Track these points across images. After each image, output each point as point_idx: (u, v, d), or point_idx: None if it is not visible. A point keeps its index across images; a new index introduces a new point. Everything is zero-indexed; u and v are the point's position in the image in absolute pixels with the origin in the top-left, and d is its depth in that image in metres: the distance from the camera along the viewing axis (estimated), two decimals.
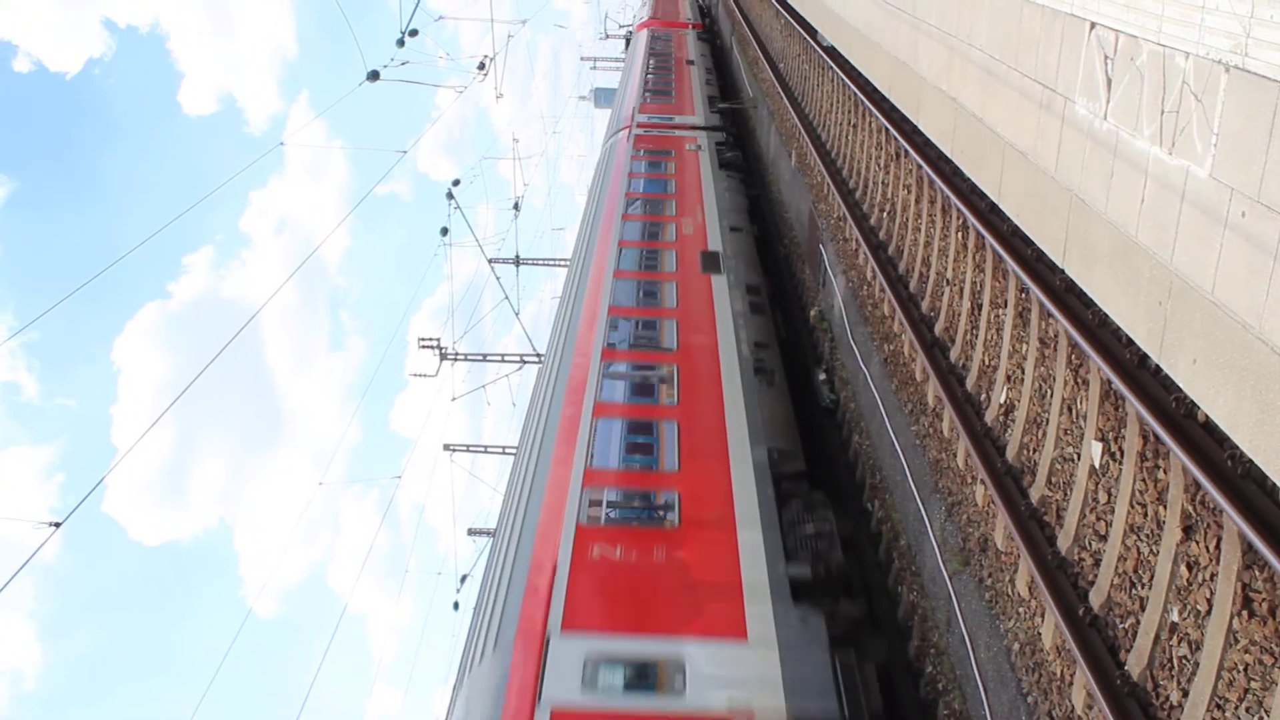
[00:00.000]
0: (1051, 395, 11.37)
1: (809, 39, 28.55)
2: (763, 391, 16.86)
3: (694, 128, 33.32)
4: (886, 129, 19.36)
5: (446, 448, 40.24)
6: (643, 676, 11.09)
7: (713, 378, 16.69)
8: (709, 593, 12.04)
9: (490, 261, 41.10)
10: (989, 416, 12.83)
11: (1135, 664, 8.72)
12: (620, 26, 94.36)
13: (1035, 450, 11.60)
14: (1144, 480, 9.25)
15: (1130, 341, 9.59)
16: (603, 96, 75.45)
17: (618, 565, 12.43)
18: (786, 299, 21.33)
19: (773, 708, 10.49)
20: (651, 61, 46.16)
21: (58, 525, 11.22)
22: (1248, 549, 7.59)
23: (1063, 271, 9.17)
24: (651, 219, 24.61)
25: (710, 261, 21.64)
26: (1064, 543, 10.35)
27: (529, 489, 14.37)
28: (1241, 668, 7.46)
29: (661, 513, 13.55)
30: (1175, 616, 8.38)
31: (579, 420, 15.39)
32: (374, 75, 26.78)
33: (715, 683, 10.85)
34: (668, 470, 14.34)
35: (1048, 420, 11.34)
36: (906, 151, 17.83)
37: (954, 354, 14.51)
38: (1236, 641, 7.57)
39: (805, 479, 15.04)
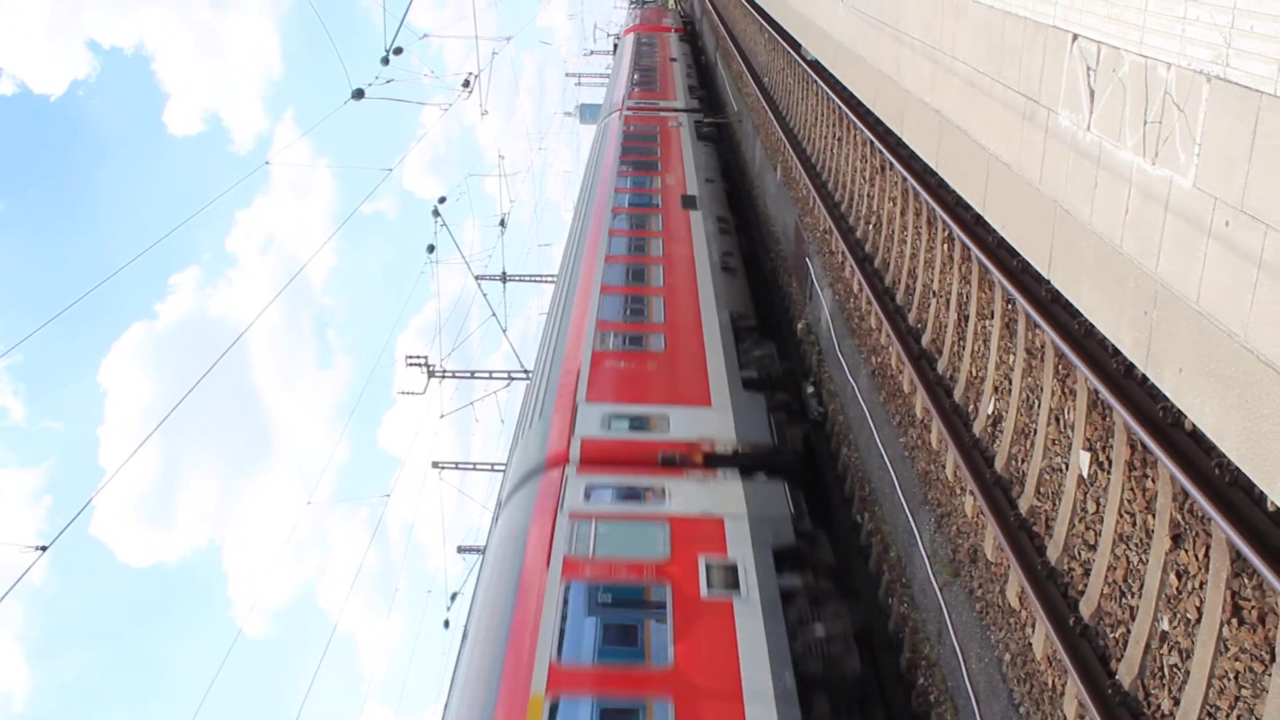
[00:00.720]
0: (1039, 405, 11.39)
1: (793, 53, 28.66)
2: (727, 279, 23.77)
3: (675, 110, 40.67)
4: (871, 142, 19.43)
5: (435, 465, 40.11)
6: (641, 424, 17.15)
7: (689, 270, 23.74)
8: (684, 382, 18.59)
9: (477, 278, 41.05)
10: (977, 427, 12.85)
11: (1126, 673, 8.72)
12: (609, 35, 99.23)
13: (1024, 461, 11.62)
14: (1132, 489, 9.27)
15: (1117, 351, 9.62)
16: (588, 112, 76.31)
17: (621, 370, 19.12)
18: (750, 231, 26.97)
19: (727, 438, 16.73)
20: (639, 58, 53.28)
21: (44, 549, 11.13)
22: (1236, 557, 7.61)
23: (1049, 282, 9.20)
24: (641, 174, 31.42)
25: (688, 201, 28.72)
26: (1053, 553, 10.36)
27: (558, 330, 21.96)
28: (1232, 675, 7.47)
29: (651, 343, 20.16)
30: (1165, 625, 8.39)
31: (590, 294, 22.37)
32: (359, 93, 26.74)
33: (689, 427, 17.01)
34: (656, 322, 21.09)
35: (1036, 430, 11.36)
36: (892, 164, 17.90)
37: (941, 365, 14.53)
38: (1227, 649, 7.58)
39: (757, 330, 21.82)
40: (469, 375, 40.33)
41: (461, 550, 39.59)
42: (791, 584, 12.75)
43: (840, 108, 22.27)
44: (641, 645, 11.73)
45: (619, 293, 22.46)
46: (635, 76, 47.36)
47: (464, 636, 14.00)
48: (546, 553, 13.34)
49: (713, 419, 17.24)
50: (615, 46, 79.08)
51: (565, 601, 12.31)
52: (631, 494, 14.95)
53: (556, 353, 20.63)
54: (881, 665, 13.74)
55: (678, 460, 16.22)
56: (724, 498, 14.64)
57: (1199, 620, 7.97)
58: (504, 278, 42.70)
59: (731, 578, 12.73)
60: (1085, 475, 10.11)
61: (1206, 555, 8.03)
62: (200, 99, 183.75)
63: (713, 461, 16.25)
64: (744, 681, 11.10)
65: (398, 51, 28.52)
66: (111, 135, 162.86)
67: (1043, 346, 11.49)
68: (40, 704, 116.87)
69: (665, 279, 23.16)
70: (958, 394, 13.71)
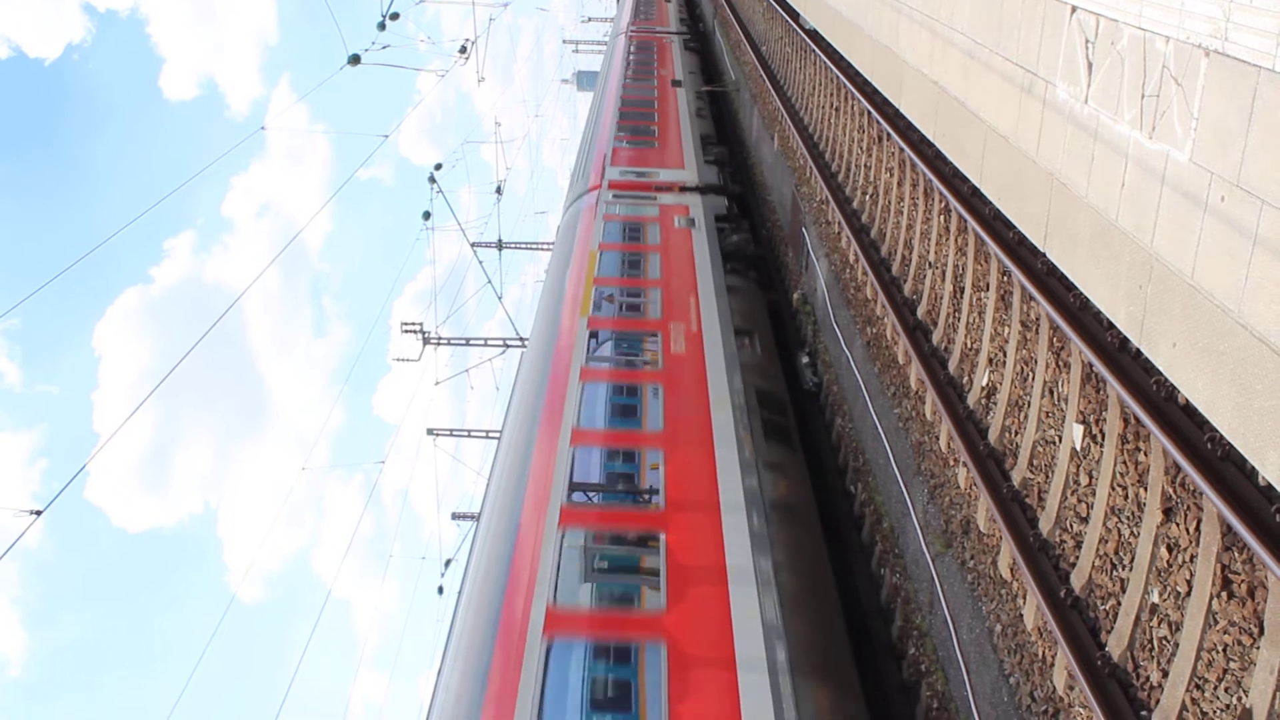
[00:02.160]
0: (1033, 378, 11.42)
1: (791, 22, 28.48)
2: (700, 120, 36.69)
3: (668, 32, 55.66)
4: (869, 112, 19.35)
5: (430, 432, 40.16)
6: (642, 174, 28.33)
7: (676, 115, 35.97)
8: (668, 157, 30.30)
9: (473, 245, 40.95)
10: (971, 399, 12.88)
11: (1116, 645, 8.79)
12: None
13: (1017, 433, 11.65)
14: (1125, 463, 9.31)
15: (1111, 325, 9.63)
16: (585, 79, 76.65)
17: (631, 154, 30.62)
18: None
19: (693, 181, 27.79)
20: None
21: (39, 513, 11.16)
22: (1227, 531, 7.65)
23: (1044, 255, 9.20)
24: (643, 67, 44.61)
25: (676, 83, 41.17)
26: (1045, 525, 10.41)
27: (592, 137, 34.81)
28: (1220, 648, 7.53)
29: (648, 144, 32.22)
30: (1155, 598, 8.44)
31: (609, 123, 34.25)
32: (355, 59, 26.61)
33: (671, 176, 28.07)
34: (652, 135, 33.18)
35: (1029, 403, 11.39)
36: (889, 135, 17.83)
37: (936, 337, 14.54)
38: (1216, 622, 7.64)
39: (717, 142, 34.94)
40: (464, 342, 40.31)
41: (456, 517, 39.70)
42: (722, 226, 25.34)
43: (838, 77, 22.16)
44: (644, 239, 23.34)
45: (628, 124, 34.63)
46: (638, 10, 63.96)
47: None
48: (592, 217, 24.90)
49: (685, 174, 28.70)
50: None
51: (604, 229, 23.82)
52: (638, 197, 26.61)
53: (591, 147, 33.36)
54: (873, 631, 13.93)
55: (665, 188, 27.47)
56: (689, 199, 26.50)
57: (1189, 593, 8.02)
58: (500, 245, 42.62)
59: (691, 223, 24.23)
60: (1078, 448, 10.14)
61: (1197, 529, 8.08)
62: (196, 64, 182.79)
63: (685, 189, 27.48)
64: (695, 257, 22.08)
65: (394, 17, 28.37)
66: (106, 99, 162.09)
67: (1038, 319, 11.49)
68: (37, 668, 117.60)
69: (658, 119, 35.77)
70: (952, 366, 13.73)
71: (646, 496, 14.22)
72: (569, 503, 13.78)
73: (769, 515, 13.92)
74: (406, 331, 38.94)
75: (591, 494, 14.62)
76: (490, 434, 40.35)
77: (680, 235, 23.65)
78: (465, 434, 41.50)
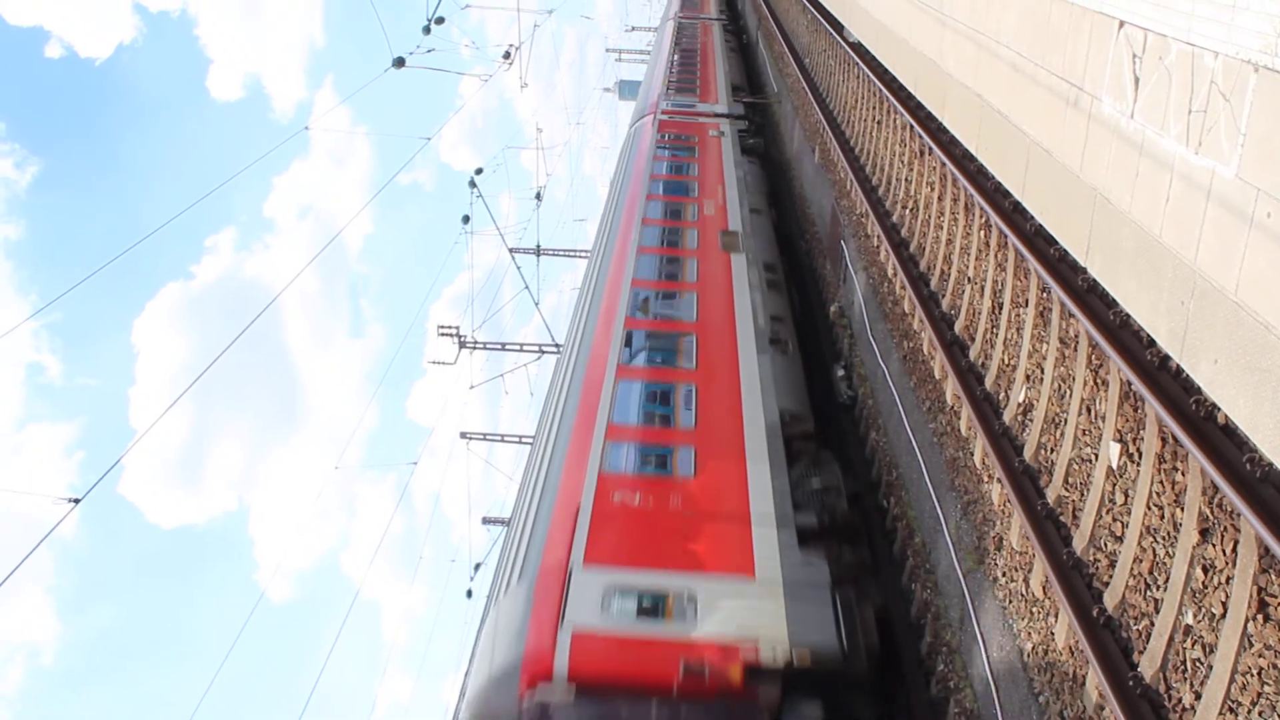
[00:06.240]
0: (1070, 395, 11.33)
1: (835, 34, 28.47)
2: (720, 14, 70.54)
3: None
4: (911, 126, 19.30)
5: (463, 436, 40.24)
6: (694, 14, 67.71)
7: (711, 37, 56.85)
8: (706, 11, 70.13)
9: (511, 251, 41.09)
10: (1007, 415, 12.79)
11: (1148, 666, 8.69)
12: None
13: (1053, 450, 11.56)
14: (1162, 482, 9.22)
15: (1151, 343, 9.55)
16: (627, 88, 77.48)
17: (689, 7, 72.79)
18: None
19: (713, 16, 67.68)
20: None
21: (76, 501, 11.30)
22: (1265, 553, 7.56)
23: (1085, 271, 9.14)
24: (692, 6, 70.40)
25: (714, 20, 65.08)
26: (1079, 543, 10.32)
27: (659, 52, 57.15)
28: (1255, 671, 7.43)
29: (696, 7, 73.90)
30: (1190, 619, 8.35)
31: (668, 48, 53.23)
32: (399, 62, 26.77)
33: (706, 16, 66.93)
34: (699, 6, 75.17)
35: (1066, 420, 11.30)
36: (931, 149, 17.77)
37: (973, 352, 14.46)
38: (1251, 645, 7.54)
39: (728, 4, 78.07)
40: (500, 347, 40.44)
41: (486, 521, 39.74)
42: (725, 26, 55.70)
43: (881, 90, 22.12)
44: (695, 26, 58.55)
45: (685, 40, 52.69)
46: None
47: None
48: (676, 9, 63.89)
49: (713, 13, 59.84)
50: None
51: (680, 18, 59.76)
52: (694, 14, 62.61)
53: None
54: (900, 647, 13.86)
55: (705, 17, 60.32)
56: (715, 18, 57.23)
57: (1224, 615, 7.93)
58: (538, 251, 42.71)
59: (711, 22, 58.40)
60: (1115, 466, 10.05)
61: (1234, 550, 7.98)
62: (243, 65, 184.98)
63: (710, 18, 55.97)
64: (713, 39, 53.78)
65: (439, 21, 28.54)
66: (154, 99, 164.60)
67: (1076, 336, 11.41)
68: (69, 656, 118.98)
69: (700, 42, 52.27)
70: (989, 381, 13.65)
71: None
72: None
73: None
74: (443, 335, 39.09)
75: None
76: (523, 439, 40.44)
77: (705, 27, 48.03)
78: (498, 438, 41.53)
